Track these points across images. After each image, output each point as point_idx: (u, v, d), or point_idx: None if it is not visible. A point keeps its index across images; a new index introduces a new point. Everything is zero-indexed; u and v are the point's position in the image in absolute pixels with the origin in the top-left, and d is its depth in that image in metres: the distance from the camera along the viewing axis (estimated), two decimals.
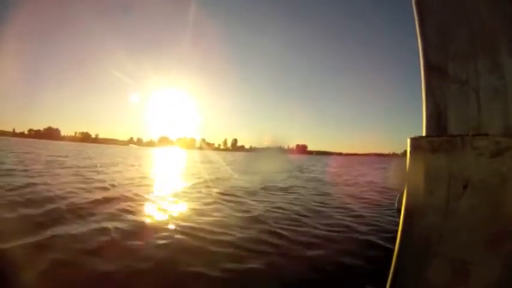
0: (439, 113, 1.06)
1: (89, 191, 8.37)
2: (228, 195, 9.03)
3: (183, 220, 5.72)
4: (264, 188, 10.99)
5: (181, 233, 4.89)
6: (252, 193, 9.77)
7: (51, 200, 6.69)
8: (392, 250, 1.11)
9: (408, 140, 1.06)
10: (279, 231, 5.21)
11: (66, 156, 24.66)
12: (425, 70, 1.12)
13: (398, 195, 1.19)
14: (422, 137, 1.07)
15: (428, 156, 1.00)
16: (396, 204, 1.20)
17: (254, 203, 8.03)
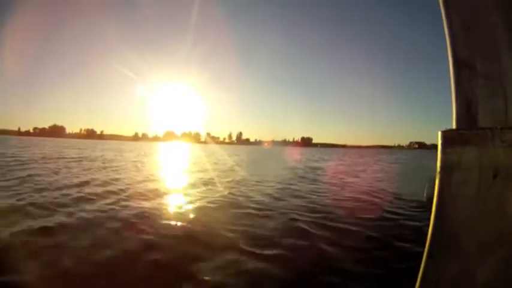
0: (469, 106, 1.11)
1: None
2: None
3: None
4: None
5: None
6: None
7: None
8: (425, 235, 1.17)
9: (439, 133, 1.12)
10: None
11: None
12: (453, 66, 1.17)
13: (427, 184, 1.25)
14: (453, 130, 1.13)
15: (460, 149, 1.06)
16: (425, 194, 1.26)
17: None
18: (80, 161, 18.62)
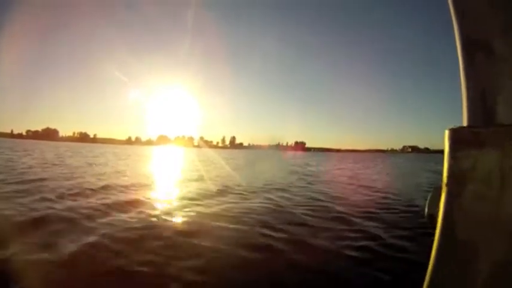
0: (484, 98, 0.86)
1: None
2: None
3: None
4: None
5: None
6: None
7: None
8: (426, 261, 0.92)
9: (446, 132, 0.86)
10: None
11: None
12: (464, 48, 0.92)
13: (429, 197, 0.99)
14: (464, 127, 0.87)
15: (474, 151, 0.80)
16: (426, 209, 0.99)
17: None
18: None
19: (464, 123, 0.88)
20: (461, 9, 0.93)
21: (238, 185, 11.23)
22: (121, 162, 24.44)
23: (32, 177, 11.11)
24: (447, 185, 0.85)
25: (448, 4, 0.98)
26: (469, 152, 0.81)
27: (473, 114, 0.87)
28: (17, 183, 9.48)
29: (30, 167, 14.85)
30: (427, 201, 1.01)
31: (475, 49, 0.89)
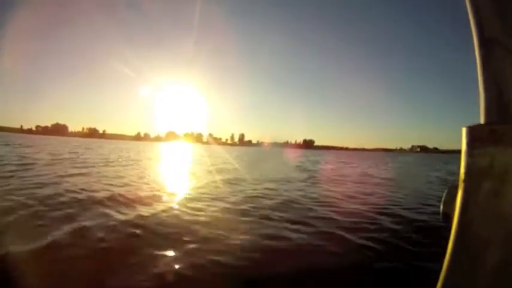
0: (501, 95, 0.85)
1: None
2: None
3: None
4: None
5: None
6: None
7: None
8: (440, 263, 0.92)
9: (463, 130, 0.86)
10: None
11: None
12: (480, 46, 0.91)
13: (444, 195, 0.99)
14: (482, 124, 0.87)
15: (491, 148, 0.80)
16: (442, 207, 0.99)
17: None
18: None
19: (481, 121, 0.88)
20: (478, 6, 0.93)
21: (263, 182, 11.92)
22: (142, 159, 24.97)
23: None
24: (464, 182, 0.84)
25: (464, 2, 0.97)
26: (486, 149, 0.81)
27: (490, 112, 0.86)
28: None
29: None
30: (442, 200, 1.00)
31: (491, 46, 0.88)
